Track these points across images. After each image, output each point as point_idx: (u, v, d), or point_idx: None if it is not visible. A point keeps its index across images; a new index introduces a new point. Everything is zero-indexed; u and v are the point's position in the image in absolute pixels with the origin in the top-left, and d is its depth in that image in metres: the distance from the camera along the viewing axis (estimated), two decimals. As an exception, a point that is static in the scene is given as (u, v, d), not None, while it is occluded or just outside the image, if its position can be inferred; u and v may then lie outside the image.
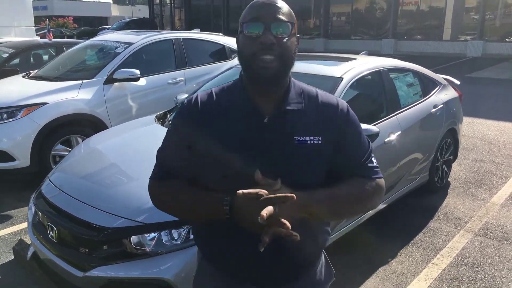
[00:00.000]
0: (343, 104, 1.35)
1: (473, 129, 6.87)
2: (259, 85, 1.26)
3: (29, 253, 2.89)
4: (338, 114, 1.31)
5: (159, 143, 1.37)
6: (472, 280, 3.02)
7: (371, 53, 5.11)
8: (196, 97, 1.33)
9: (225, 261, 1.34)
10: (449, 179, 4.74)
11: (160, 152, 1.37)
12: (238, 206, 1.15)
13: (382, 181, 1.36)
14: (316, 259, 1.43)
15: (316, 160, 1.28)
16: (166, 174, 1.34)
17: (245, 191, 1.11)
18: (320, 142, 1.26)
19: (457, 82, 4.98)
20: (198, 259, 1.49)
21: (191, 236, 2.23)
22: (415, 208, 4.11)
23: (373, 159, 1.37)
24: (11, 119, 4.42)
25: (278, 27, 1.21)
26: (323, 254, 1.49)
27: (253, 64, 1.21)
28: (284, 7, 1.24)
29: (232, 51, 6.67)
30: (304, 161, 1.25)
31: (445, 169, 4.55)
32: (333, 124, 1.30)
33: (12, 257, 3.28)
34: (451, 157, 4.64)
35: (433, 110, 4.12)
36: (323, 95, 1.35)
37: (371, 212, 3.34)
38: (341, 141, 1.30)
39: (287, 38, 1.22)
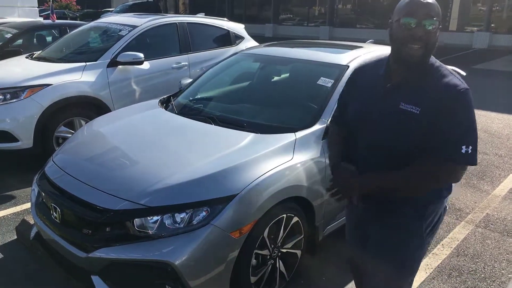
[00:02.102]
0: (460, 87, 1.55)
1: (477, 121, 6.82)
2: (402, 68, 1.61)
3: (32, 233, 2.91)
4: (448, 94, 1.54)
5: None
6: (472, 271, 3.03)
7: (377, 42, 5.04)
8: (354, 67, 1.96)
9: None
10: (451, 171, 4.72)
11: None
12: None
13: (461, 168, 1.61)
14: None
15: (411, 126, 1.56)
16: (334, 118, 2.06)
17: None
18: (418, 112, 1.54)
19: (464, 73, 4.93)
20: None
21: (194, 220, 2.24)
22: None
23: (469, 147, 1.57)
24: (14, 100, 4.42)
25: (428, 23, 1.53)
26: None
27: (402, 49, 1.57)
28: (434, 5, 1.55)
29: (236, 36, 6.60)
30: (402, 125, 1.58)
31: (448, 160, 4.53)
32: (439, 101, 1.53)
33: (15, 237, 3.31)
34: (455, 148, 4.62)
35: (438, 100, 4.09)
36: (450, 78, 1.58)
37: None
38: (439, 115, 1.53)
39: (434, 32, 1.55)
